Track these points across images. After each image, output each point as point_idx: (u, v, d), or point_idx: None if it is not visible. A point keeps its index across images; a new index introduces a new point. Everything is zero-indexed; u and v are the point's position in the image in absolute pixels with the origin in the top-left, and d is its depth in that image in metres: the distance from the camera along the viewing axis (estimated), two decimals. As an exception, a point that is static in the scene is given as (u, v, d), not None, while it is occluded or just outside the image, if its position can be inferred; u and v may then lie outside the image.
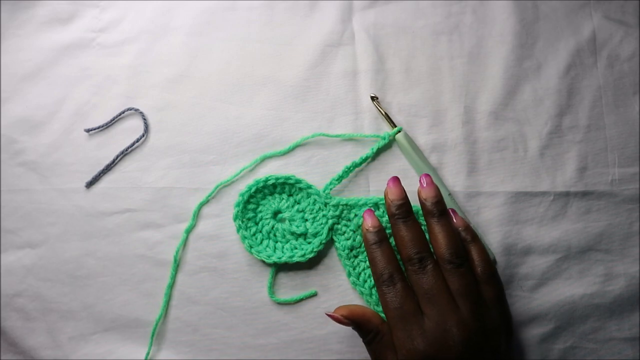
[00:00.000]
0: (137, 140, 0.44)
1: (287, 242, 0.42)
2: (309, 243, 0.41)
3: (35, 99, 0.45)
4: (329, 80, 0.46)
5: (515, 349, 0.41)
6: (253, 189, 0.42)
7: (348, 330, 0.40)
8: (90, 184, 0.43)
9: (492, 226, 0.42)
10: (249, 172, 0.44)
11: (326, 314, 0.36)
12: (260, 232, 0.42)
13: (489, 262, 0.37)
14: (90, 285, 0.42)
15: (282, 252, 0.41)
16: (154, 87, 0.46)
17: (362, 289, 0.40)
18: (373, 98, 0.44)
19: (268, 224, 0.42)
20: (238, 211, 0.42)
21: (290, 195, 0.43)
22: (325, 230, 0.41)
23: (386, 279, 0.35)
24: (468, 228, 0.38)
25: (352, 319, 0.36)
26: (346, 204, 0.41)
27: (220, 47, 0.47)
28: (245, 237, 0.41)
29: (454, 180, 0.43)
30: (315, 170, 0.43)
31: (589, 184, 0.44)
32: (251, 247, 0.41)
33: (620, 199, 0.43)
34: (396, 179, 0.38)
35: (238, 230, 0.41)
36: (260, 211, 0.43)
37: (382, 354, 0.35)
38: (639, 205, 0.43)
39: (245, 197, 0.42)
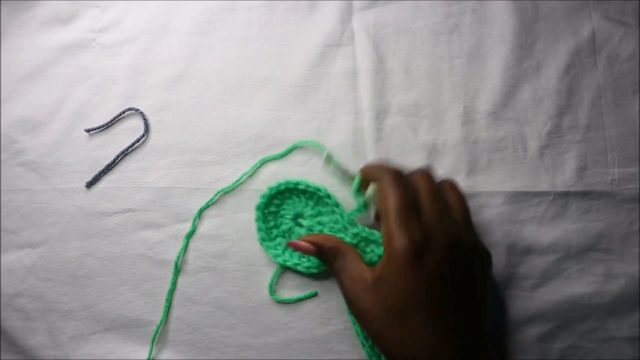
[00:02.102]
0: (138, 140, 0.44)
1: None
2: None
3: (35, 99, 0.45)
4: (329, 80, 0.46)
5: (514, 348, 0.41)
6: (283, 187, 0.42)
7: (348, 330, 0.40)
8: (90, 184, 0.43)
9: (492, 226, 0.42)
10: (249, 177, 0.44)
11: (288, 243, 0.39)
12: (277, 228, 0.42)
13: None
14: (90, 285, 0.42)
15: (290, 256, 0.41)
16: (154, 87, 0.46)
17: (364, 342, 0.39)
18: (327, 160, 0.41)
19: (286, 224, 0.42)
20: (262, 202, 0.42)
21: (316, 204, 0.42)
22: None
23: (395, 175, 0.34)
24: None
25: (312, 241, 0.37)
26: (366, 237, 0.38)
27: (220, 47, 0.47)
28: (261, 229, 0.41)
29: (454, 180, 0.43)
30: (315, 170, 0.43)
31: (588, 184, 0.44)
32: (263, 240, 0.41)
33: (620, 199, 0.43)
34: None
35: (256, 220, 0.42)
36: (283, 209, 0.42)
37: (351, 268, 0.35)
38: (638, 205, 0.43)
39: (273, 192, 0.42)
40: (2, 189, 0.44)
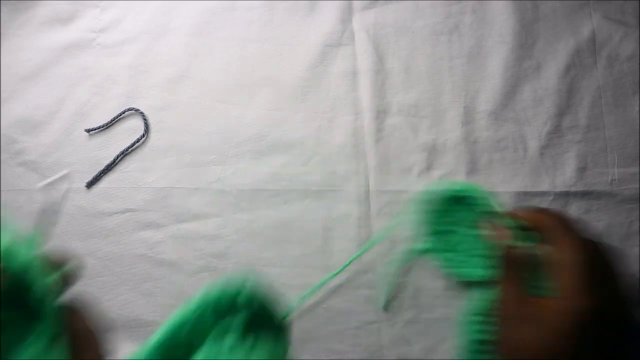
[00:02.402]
0: (138, 140, 0.44)
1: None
2: None
3: (35, 99, 0.45)
4: (329, 80, 0.46)
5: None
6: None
7: (349, 330, 0.40)
8: (90, 184, 0.43)
9: (492, 226, 0.42)
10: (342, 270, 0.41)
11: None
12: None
13: None
14: (90, 285, 0.42)
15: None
16: (154, 87, 0.46)
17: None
18: None
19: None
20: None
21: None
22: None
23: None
24: None
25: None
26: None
27: (220, 47, 0.47)
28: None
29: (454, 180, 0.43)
30: (316, 170, 0.43)
31: (588, 184, 0.44)
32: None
33: (620, 199, 0.43)
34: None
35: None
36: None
37: (518, 285, 0.32)
38: (638, 205, 0.43)
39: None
40: (2, 189, 0.43)
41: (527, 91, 0.45)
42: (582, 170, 0.44)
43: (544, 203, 0.43)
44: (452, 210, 0.40)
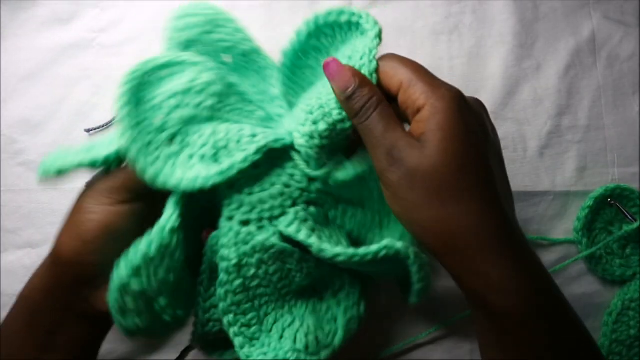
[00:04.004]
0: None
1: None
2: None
3: (35, 99, 0.45)
4: (329, 80, 0.46)
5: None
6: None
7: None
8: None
9: (492, 226, 0.43)
10: None
11: (326, 64, 0.29)
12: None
13: None
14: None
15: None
16: (154, 87, 0.46)
17: None
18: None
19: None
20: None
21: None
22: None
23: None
24: None
25: (356, 74, 0.28)
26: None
27: (220, 47, 0.47)
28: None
29: (454, 180, 0.43)
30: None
31: (588, 184, 0.44)
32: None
33: (620, 199, 0.44)
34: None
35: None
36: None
37: (384, 122, 0.27)
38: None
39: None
40: (2, 189, 0.43)
41: (527, 91, 0.45)
42: (582, 170, 0.44)
43: (544, 203, 0.43)
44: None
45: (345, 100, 0.28)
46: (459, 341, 0.41)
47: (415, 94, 0.27)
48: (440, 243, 0.26)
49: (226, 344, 0.32)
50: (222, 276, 0.29)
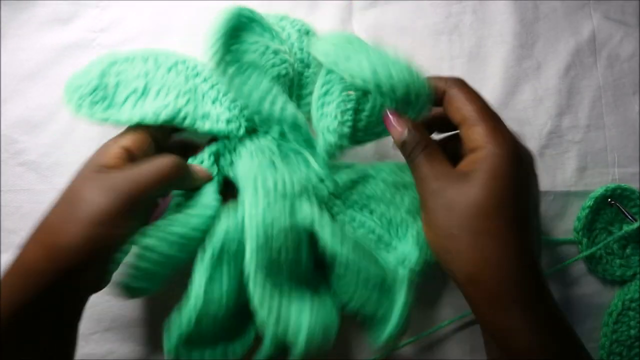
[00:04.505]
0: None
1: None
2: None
3: (35, 99, 0.45)
4: (329, 80, 0.46)
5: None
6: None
7: (349, 331, 0.40)
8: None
9: (492, 226, 0.43)
10: None
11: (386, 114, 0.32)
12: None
13: None
14: (90, 285, 0.42)
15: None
16: (154, 87, 0.46)
17: None
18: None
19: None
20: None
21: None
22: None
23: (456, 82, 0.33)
24: None
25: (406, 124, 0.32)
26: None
27: (220, 47, 0.47)
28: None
29: (454, 180, 0.43)
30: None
31: (588, 184, 0.44)
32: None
33: (620, 199, 0.43)
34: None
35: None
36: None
37: (438, 159, 0.31)
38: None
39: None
40: (2, 189, 0.43)
41: (527, 91, 0.45)
42: (582, 170, 0.44)
43: (544, 203, 0.43)
44: None
45: (400, 146, 0.32)
46: (459, 341, 0.41)
47: (474, 134, 0.30)
48: (467, 272, 0.28)
49: (211, 341, 0.32)
50: (251, 246, 0.30)
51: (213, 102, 0.35)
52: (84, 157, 0.44)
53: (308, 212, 0.32)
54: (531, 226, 0.29)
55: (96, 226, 0.28)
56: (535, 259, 0.28)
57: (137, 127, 0.34)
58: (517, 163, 0.28)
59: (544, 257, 0.42)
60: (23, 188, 0.43)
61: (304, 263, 0.32)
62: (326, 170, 0.35)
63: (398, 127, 0.32)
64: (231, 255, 0.31)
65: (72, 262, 0.28)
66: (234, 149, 0.36)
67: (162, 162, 0.31)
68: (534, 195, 0.30)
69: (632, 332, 0.40)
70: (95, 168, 0.31)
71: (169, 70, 0.37)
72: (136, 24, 0.47)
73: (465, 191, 0.28)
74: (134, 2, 0.47)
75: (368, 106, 0.33)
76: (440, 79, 0.33)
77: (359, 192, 0.36)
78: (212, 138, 0.37)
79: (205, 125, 0.35)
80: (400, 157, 0.33)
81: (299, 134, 0.36)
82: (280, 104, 0.34)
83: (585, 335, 0.42)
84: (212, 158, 0.35)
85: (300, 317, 0.30)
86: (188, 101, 0.35)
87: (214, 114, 0.36)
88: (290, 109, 0.34)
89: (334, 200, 0.35)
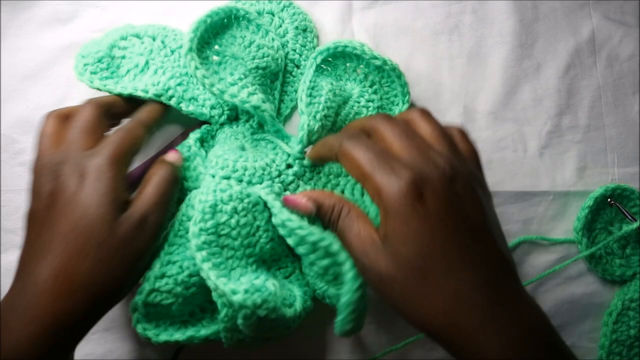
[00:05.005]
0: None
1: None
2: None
3: (35, 99, 0.45)
4: (329, 80, 0.46)
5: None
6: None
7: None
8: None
9: (492, 226, 0.43)
10: None
11: (284, 199, 0.33)
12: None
13: (463, 128, 0.34)
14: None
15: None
16: (154, 87, 0.46)
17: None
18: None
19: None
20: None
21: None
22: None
23: (352, 134, 0.31)
24: None
25: (314, 198, 0.32)
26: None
27: (220, 47, 0.47)
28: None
29: (454, 180, 0.43)
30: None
31: (588, 184, 0.44)
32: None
33: (620, 199, 0.44)
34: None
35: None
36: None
37: (358, 227, 0.30)
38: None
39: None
40: (2, 189, 0.43)
41: (527, 91, 0.45)
42: (582, 170, 0.44)
43: (544, 203, 0.43)
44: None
45: (316, 216, 0.32)
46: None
47: (370, 191, 0.29)
48: (432, 327, 0.27)
49: (166, 321, 0.33)
50: (197, 215, 0.32)
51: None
52: (84, 157, 0.44)
53: (262, 196, 0.34)
54: (472, 250, 0.28)
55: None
56: (487, 285, 0.27)
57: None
58: (416, 211, 0.27)
59: (544, 257, 0.42)
60: (23, 188, 0.43)
61: (259, 245, 0.34)
62: (298, 154, 0.37)
63: (301, 207, 0.32)
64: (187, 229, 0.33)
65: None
66: (215, 134, 0.39)
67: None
68: (464, 212, 0.28)
69: (632, 332, 0.40)
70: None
71: (173, 52, 0.40)
72: (136, 24, 0.47)
73: (387, 262, 0.28)
74: (134, 2, 0.47)
75: (344, 112, 0.39)
76: (330, 146, 0.32)
77: (326, 173, 0.37)
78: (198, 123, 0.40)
79: (189, 107, 0.38)
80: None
81: (270, 124, 0.38)
82: (245, 93, 0.37)
83: (585, 335, 0.42)
84: (197, 143, 0.38)
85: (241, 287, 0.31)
86: (180, 83, 0.38)
87: (201, 98, 0.39)
88: (256, 99, 0.37)
89: (305, 185, 0.37)
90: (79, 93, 0.45)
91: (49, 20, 0.47)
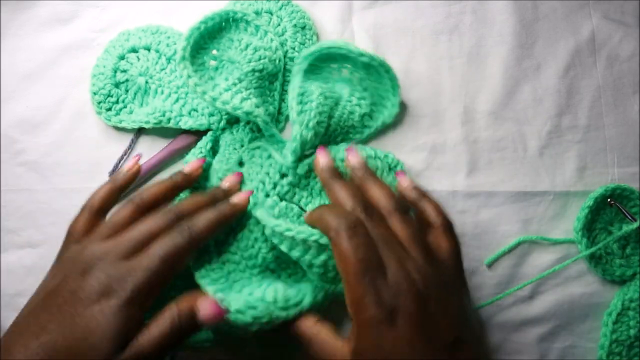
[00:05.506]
0: (133, 142, 0.44)
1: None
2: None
3: (35, 99, 0.45)
4: (329, 80, 0.46)
5: (514, 348, 0.41)
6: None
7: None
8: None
9: (492, 226, 0.43)
10: None
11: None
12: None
13: (445, 214, 0.34)
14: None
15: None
16: (154, 87, 0.46)
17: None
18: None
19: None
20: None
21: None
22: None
23: (352, 225, 0.31)
24: (416, 187, 0.37)
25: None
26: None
27: (220, 47, 0.47)
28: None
29: (454, 180, 0.43)
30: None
31: (588, 184, 0.44)
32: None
33: (620, 199, 0.44)
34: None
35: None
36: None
37: (327, 350, 0.31)
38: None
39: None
40: (2, 189, 0.44)
41: (527, 91, 0.45)
42: (581, 170, 0.44)
43: (544, 203, 0.43)
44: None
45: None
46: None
47: (348, 295, 0.30)
48: None
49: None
50: None
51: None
52: (84, 157, 0.44)
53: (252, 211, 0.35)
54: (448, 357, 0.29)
55: None
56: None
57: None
58: (389, 330, 0.28)
59: (544, 257, 0.42)
60: (23, 188, 0.43)
61: (261, 255, 0.35)
62: (293, 163, 0.37)
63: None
64: None
65: None
66: (218, 140, 0.40)
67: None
68: (443, 332, 0.29)
69: (632, 332, 0.40)
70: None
71: (169, 60, 0.41)
72: (136, 24, 0.47)
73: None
74: (134, 2, 0.47)
75: (337, 113, 0.40)
76: (327, 227, 0.31)
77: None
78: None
79: (187, 123, 0.40)
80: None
81: (264, 129, 0.39)
82: (239, 99, 0.37)
83: (584, 335, 0.42)
84: (208, 146, 0.39)
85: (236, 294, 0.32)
86: (177, 100, 0.40)
87: (200, 107, 0.40)
88: (249, 105, 0.37)
89: (301, 191, 0.38)
90: (79, 93, 0.45)
91: (49, 20, 0.47)
